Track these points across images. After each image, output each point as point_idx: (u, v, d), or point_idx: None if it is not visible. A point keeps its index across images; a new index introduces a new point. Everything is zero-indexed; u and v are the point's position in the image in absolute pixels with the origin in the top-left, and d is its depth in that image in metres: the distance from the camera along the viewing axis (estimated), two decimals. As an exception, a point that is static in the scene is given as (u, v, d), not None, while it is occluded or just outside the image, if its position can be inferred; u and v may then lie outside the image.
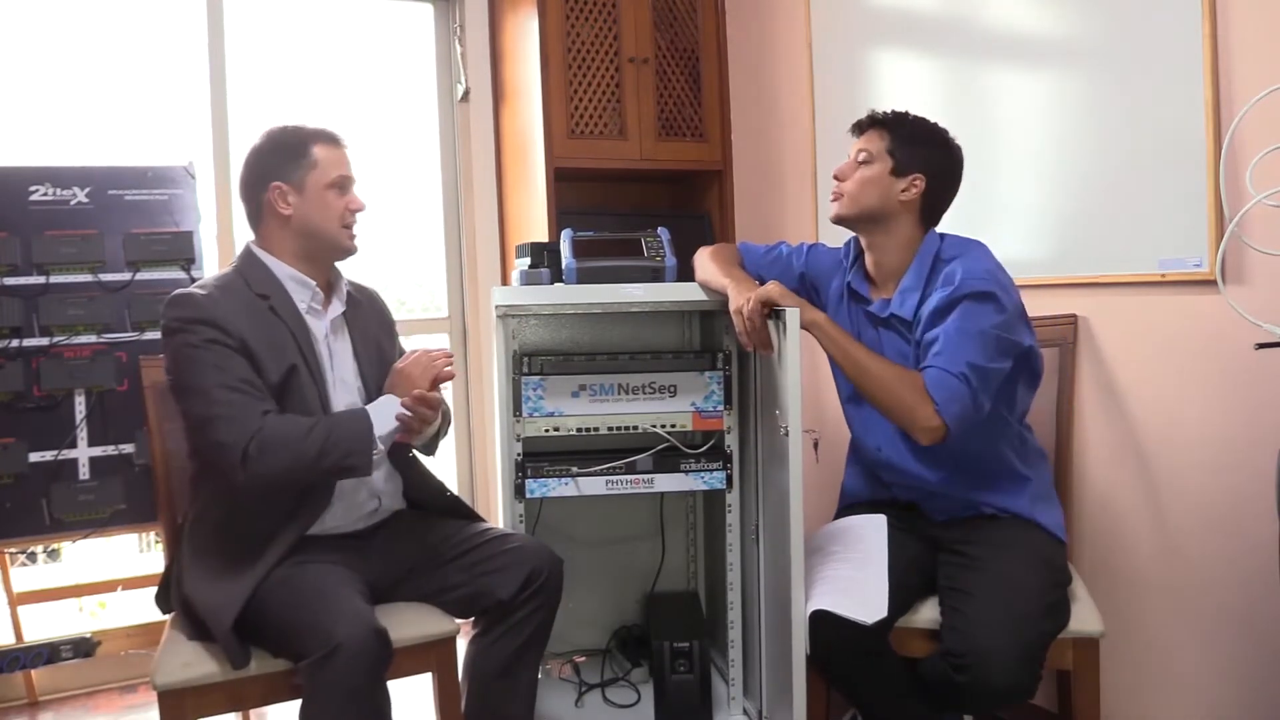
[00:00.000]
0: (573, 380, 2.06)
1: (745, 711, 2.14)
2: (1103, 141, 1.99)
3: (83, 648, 2.46)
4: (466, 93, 3.13)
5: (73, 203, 2.44)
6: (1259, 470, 1.72)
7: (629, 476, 2.06)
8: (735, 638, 2.13)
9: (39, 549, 3.37)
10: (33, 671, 2.53)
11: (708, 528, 2.41)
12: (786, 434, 1.74)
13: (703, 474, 2.08)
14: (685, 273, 2.10)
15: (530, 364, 2.06)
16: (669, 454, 2.08)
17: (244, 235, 1.92)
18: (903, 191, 1.83)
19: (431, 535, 1.89)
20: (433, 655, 1.81)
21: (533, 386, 2.05)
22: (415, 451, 1.97)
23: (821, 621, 1.69)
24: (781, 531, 1.79)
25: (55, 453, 2.38)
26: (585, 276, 2.08)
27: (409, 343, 2.11)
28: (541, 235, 2.77)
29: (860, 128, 1.89)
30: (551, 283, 2.14)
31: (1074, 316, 2.06)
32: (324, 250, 1.86)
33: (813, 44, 2.73)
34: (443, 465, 3.13)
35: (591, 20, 2.88)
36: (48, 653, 2.42)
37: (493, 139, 3.15)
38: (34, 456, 2.36)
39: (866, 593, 1.72)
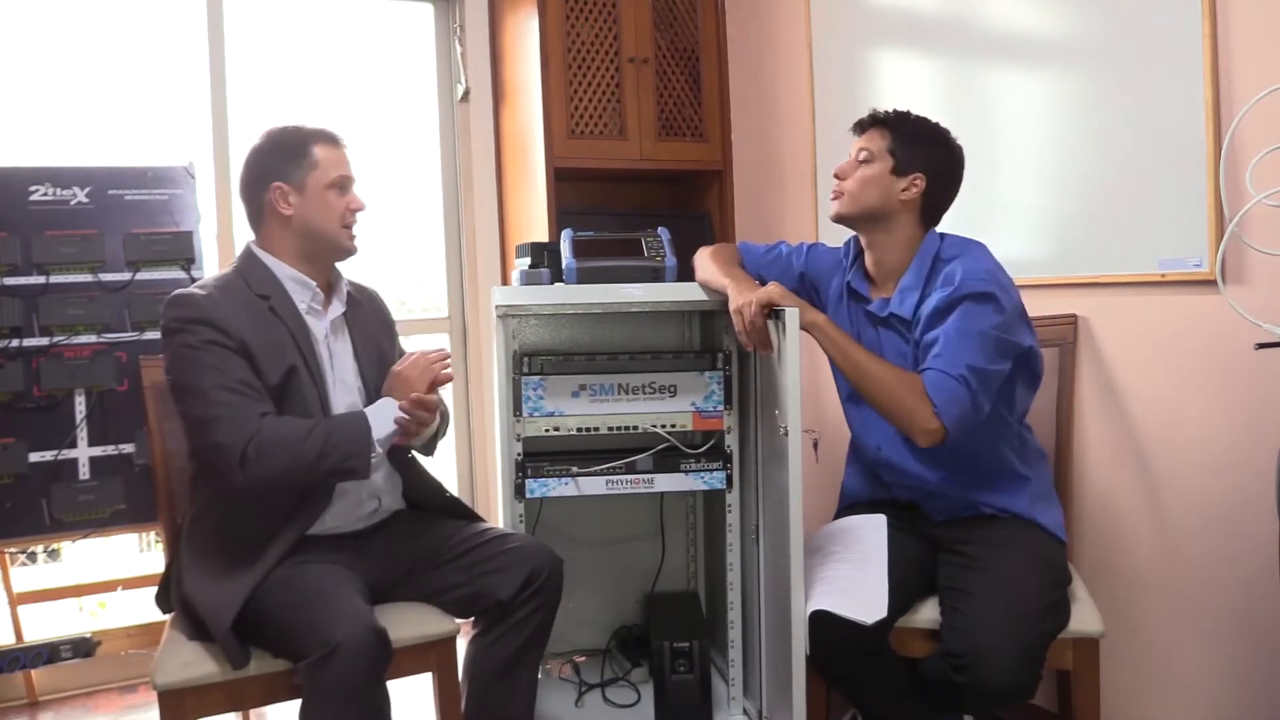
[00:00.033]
0: (573, 380, 2.06)
1: (745, 711, 2.14)
2: (1103, 141, 1.99)
3: (83, 648, 2.46)
4: (466, 93, 3.13)
5: (73, 203, 2.44)
6: (1259, 470, 1.72)
7: (629, 476, 2.06)
8: (735, 638, 2.13)
9: (39, 549, 3.37)
10: (33, 671, 2.53)
11: (708, 528, 2.41)
12: (786, 434, 1.74)
13: (703, 474, 2.08)
14: (685, 273, 2.10)
15: (530, 364, 2.06)
16: (669, 454, 2.08)
17: (244, 235, 1.92)
18: (903, 191, 1.83)
19: (431, 535, 1.89)
20: (433, 655, 1.81)
21: (533, 386, 2.05)
22: (413, 452, 1.97)
23: (821, 621, 1.69)
24: (781, 531, 1.79)
25: (55, 453, 2.38)
26: (585, 276, 2.08)
27: (409, 343, 2.11)
28: (541, 235, 2.77)
29: (861, 127, 1.89)
30: (551, 283, 2.14)
31: (1074, 316, 2.06)
32: (324, 250, 1.86)
33: (813, 44, 2.73)
34: (443, 465, 3.13)
35: (591, 20, 2.88)
36: (48, 653, 2.42)
37: (493, 139, 3.15)
38: (34, 456, 2.36)
39: (866, 593, 1.72)
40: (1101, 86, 1.99)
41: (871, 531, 1.85)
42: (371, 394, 1.87)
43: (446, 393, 1.99)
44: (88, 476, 2.41)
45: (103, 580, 2.73)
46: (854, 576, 1.77)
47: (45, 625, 2.67)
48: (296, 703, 1.59)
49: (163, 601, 1.88)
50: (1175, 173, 1.84)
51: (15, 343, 2.35)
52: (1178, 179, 1.84)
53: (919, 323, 1.79)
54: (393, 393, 1.80)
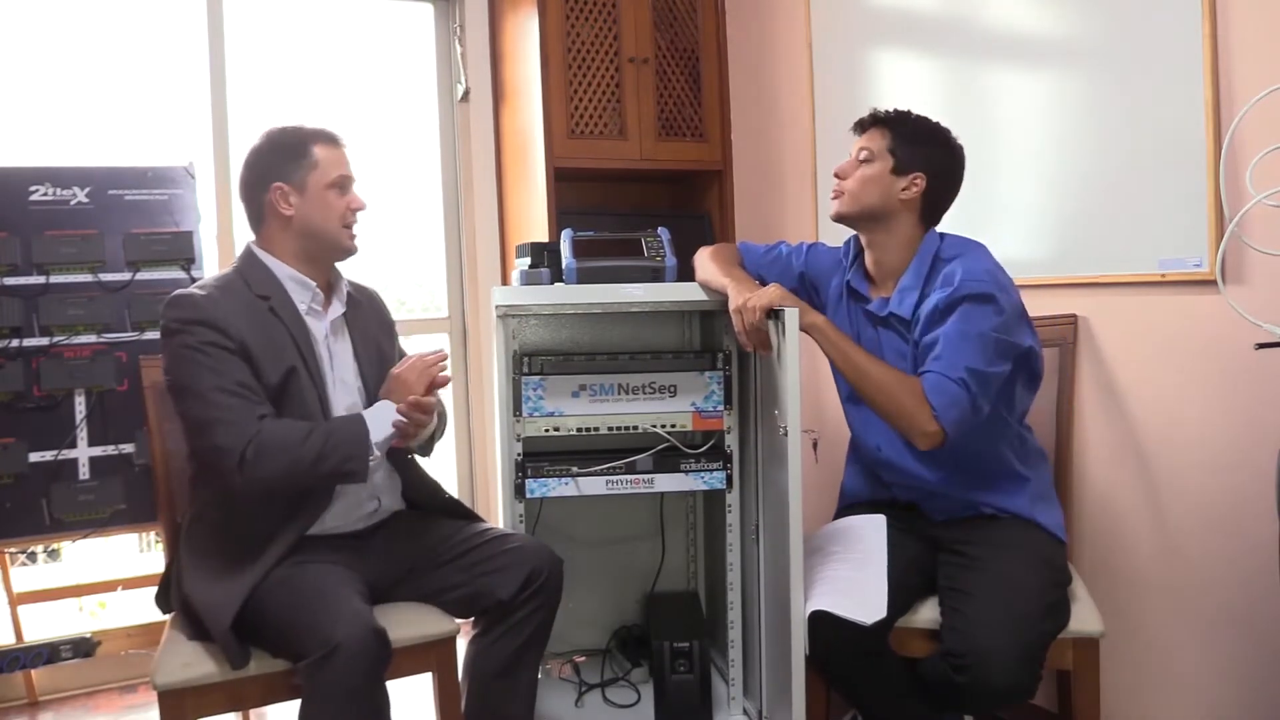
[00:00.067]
0: (573, 380, 2.06)
1: (745, 711, 2.14)
2: (1103, 141, 1.99)
3: (83, 648, 2.46)
4: (466, 93, 3.13)
5: (73, 203, 2.44)
6: (1259, 470, 1.72)
7: (629, 476, 2.06)
8: (735, 638, 2.13)
9: (39, 549, 3.37)
10: (33, 671, 2.53)
11: (708, 528, 2.41)
12: (786, 434, 1.74)
13: (703, 474, 2.08)
14: (685, 273, 2.10)
15: (530, 364, 2.06)
16: (669, 454, 2.07)
17: (244, 235, 1.92)
18: (903, 190, 1.83)
19: (431, 535, 1.89)
20: (433, 655, 1.81)
21: (533, 386, 2.05)
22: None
23: (821, 622, 1.69)
24: (781, 531, 1.79)
25: (55, 453, 2.38)
26: (585, 276, 2.08)
27: (409, 343, 2.11)
28: (541, 235, 2.77)
29: (862, 126, 1.89)
30: (551, 283, 2.14)
31: (1074, 316, 2.06)
32: (325, 250, 1.86)
33: (813, 44, 2.73)
34: (442, 465, 3.13)
35: (591, 20, 2.88)
36: (48, 653, 2.42)
37: (493, 139, 3.15)
38: (34, 456, 2.36)
39: (866, 593, 1.72)
40: (1101, 86, 1.99)
41: (871, 532, 1.85)
42: (371, 394, 1.86)
43: (446, 393, 1.99)
44: (88, 476, 2.41)
45: (103, 580, 2.73)
46: (853, 577, 1.77)
47: (45, 625, 2.67)
48: (296, 703, 1.59)
49: (163, 601, 1.88)
50: (1175, 173, 1.84)
51: (15, 343, 2.35)
52: (1178, 179, 1.84)
53: (918, 322, 1.79)
54: (390, 395, 1.80)
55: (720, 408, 2.08)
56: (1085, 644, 1.74)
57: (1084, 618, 1.74)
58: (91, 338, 2.42)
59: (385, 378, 1.86)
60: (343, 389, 1.85)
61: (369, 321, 1.96)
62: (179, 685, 1.63)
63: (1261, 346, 1.56)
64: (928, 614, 1.78)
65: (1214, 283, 1.74)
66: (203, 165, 2.72)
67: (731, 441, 2.09)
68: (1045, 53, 2.11)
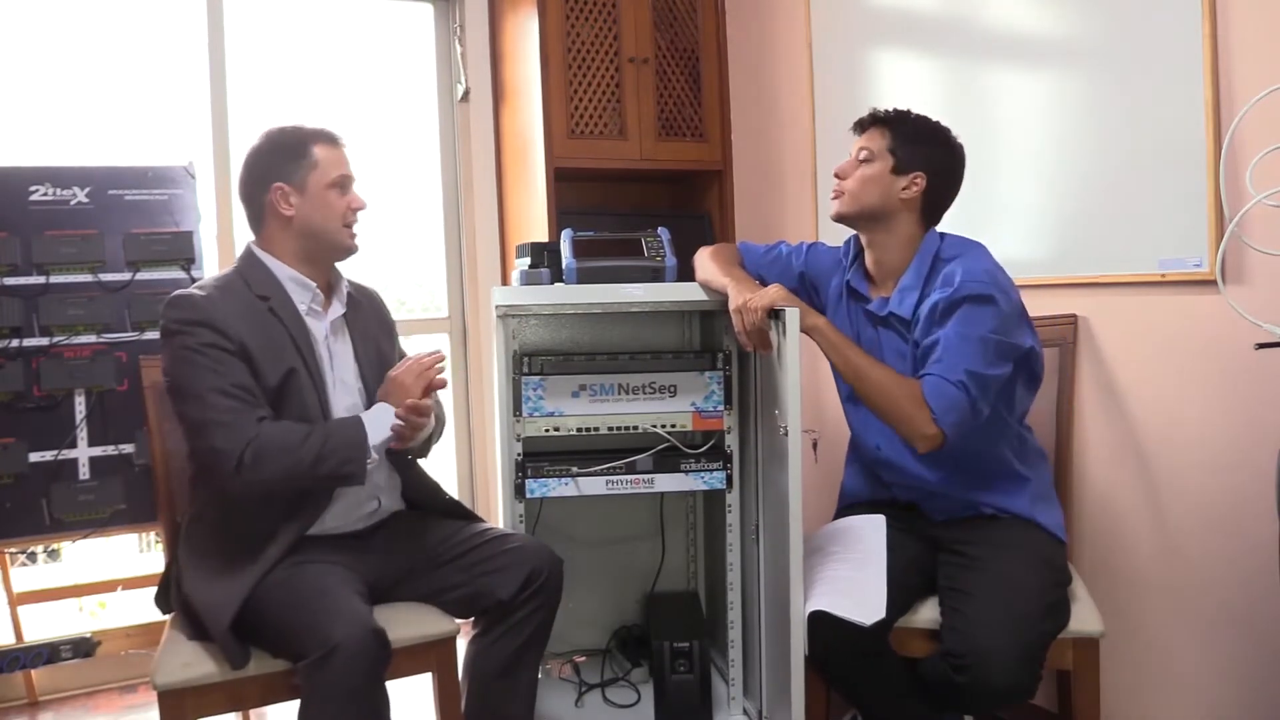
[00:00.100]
0: (573, 380, 2.06)
1: (745, 711, 2.14)
2: (1103, 141, 1.99)
3: (83, 648, 2.46)
4: (466, 93, 3.13)
5: (73, 203, 2.44)
6: (1259, 470, 1.72)
7: (629, 476, 2.06)
8: (735, 638, 2.13)
9: (39, 549, 3.37)
10: (33, 671, 2.53)
11: (708, 528, 2.41)
12: (786, 434, 1.74)
13: (703, 474, 2.08)
14: (685, 273, 2.10)
15: (530, 364, 2.06)
16: (669, 454, 2.07)
17: (244, 235, 1.92)
18: (903, 190, 1.83)
19: (431, 535, 1.89)
20: (433, 655, 1.81)
21: (533, 386, 2.05)
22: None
23: (820, 622, 1.69)
24: (781, 531, 1.79)
25: (55, 453, 2.38)
26: (585, 276, 2.08)
27: (409, 343, 2.11)
28: (541, 235, 2.77)
29: (862, 126, 1.89)
30: (551, 283, 2.14)
31: (1074, 316, 2.06)
32: (326, 250, 1.86)
33: (813, 44, 2.73)
34: (442, 466, 3.13)
35: (591, 20, 2.88)
36: (48, 653, 2.42)
37: (493, 139, 3.15)
38: (34, 456, 2.36)
39: (865, 593, 1.72)
40: (1101, 86, 1.99)
41: (871, 532, 1.85)
42: (371, 395, 1.86)
43: (445, 394, 1.99)
44: (88, 476, 2.41)
45: (103, 580, 2.72)
46: (853, 577, 1.77)
47: (45, 625, 2.67)
48: (296, 703, 1.59)
49: (162, 602, 1.88)
50: (1175, 173, 1.84)
51: (15, 343, 2.35)
52: (1178, 179, 1.84)
53: (918, 322, 1.79)
54: (388, 398, 1.80)
55: (720, 408, 2.08)
56: (1085, 644, 1.74)
57: (1084, 618, 1.74)
58: (91, 338, 2.42)
59: (385, 378, 1.86)
60: (343, 389, 1.85)
61: (369, 322, 1.96)
62: (179, 685, 1.63)
63: (1261, 346, 1.56)
64: (928, 614, 1.78)
65: (1214, 283, 1.74)
66: (203, 165, 2.72)
67: (731, 441, 2.09)
68: (1045, 53, 2.11)
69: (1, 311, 2.33)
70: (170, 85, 2.86)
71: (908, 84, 2.45)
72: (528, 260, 2.20)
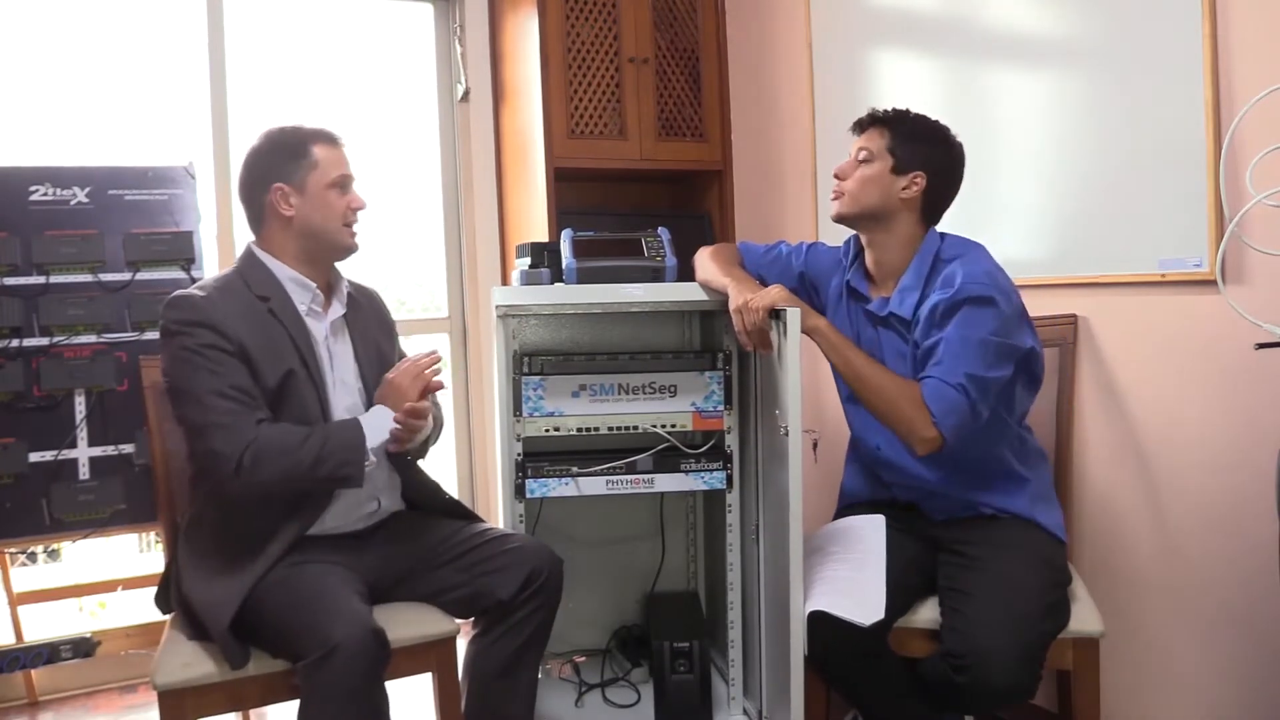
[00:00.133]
0: (573, 380, 2.06)
1: (745, 711, 2.14)
2: (1103, 141, 1.99)
3: (83, 648, 2.46)
4: (466, 93, 3.13)
5: (73, 203, 2.44)
6: (1259, 470, 1.72)
7: (629, 476, 2.06)
8: (735, 638, 2.13)
9: (39, 549, 3.37)
10: (33, 671, 2.53)
11: (708, 528, 2.41)
12: (786, 434, 1.74)
13: (703, 474, 2.08)
14: (685, 273, 2.10)
15: (530, 364, 2.06)
16: (669, 454, 2.07)
17: (244, 235, 1.92)
18: (903, 189, 1.83)
19: (431, 535, 1.89)
20: (433, 655, 1.81)
21: (533, 386, 2.05)
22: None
23: (819, 622, 1.69)
24: (781, 531, 1.79)
25: (55, 453, 2.38)
26: (585, 276, 2.08)
27: (409, 343, 2.11)
28: (541, 235, 2.77)
29: (861, 126, 1.89)
30: (551, 283, 2.14)
31: (1074, 316, 2.06)
32: (326, 250, 1.86)
33: (813, 44, 2.73)
34: (443, 465, 3.13)
35: (591, 20, 2.88)
36: (48, 653, 2.42)
37: (493, 139, 3.15)
38: (34, 456, 2.36)
39: (864, 594, 1.72)
40: (1101, 86, 1.99)
41: (870, 532, 1.85)
42: (372, 395, 1.86)
43: (445, 395, 1.99)
44: (88, 476, 2.41)
45: (103, 580, 2.72)
46: (852, 577, 1.76)
47: (45, 625, 2.67)
48: (296, 703, 1.58)
49: (162, 602, 1.88)
50: (1175, 173, 1.84)
51: (15, 343, 2.35)
52: (1178, 179, 1.84)
53: (918, 323, 1.79)
54: (385, 400, 1.80)
55: (720, 408, 2.08)
56: (1085, 644, 1.74)
57: (1084, 618, 1.74)
58: (91, 338, 2.42)
59: (382, 381, 1.86)
60: (343, 390, 1.85)
61: (369, 322, 1.96)
62: (179, 685, 1.63)
63: (1261, 346, 1.56)
64: (927, 614, 1.78)
65: (1214, 283, 1.74)
66: (203, 165, 2.72)
67: (731, 441, 2.09)
68: (1045, 53, 2.11)
69: (1, 311, 2.33)
70: (170, 85, 2.87)
71: (908, 84, 2.45)
72: (528, 260, 2.20)
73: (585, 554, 2.39)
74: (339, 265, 1.93)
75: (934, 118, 1.87)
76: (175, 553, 1.85)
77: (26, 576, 3.07)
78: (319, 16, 3.10)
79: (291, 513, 1.74)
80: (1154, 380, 1.95)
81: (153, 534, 3.05)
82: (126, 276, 2.47)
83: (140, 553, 3.51)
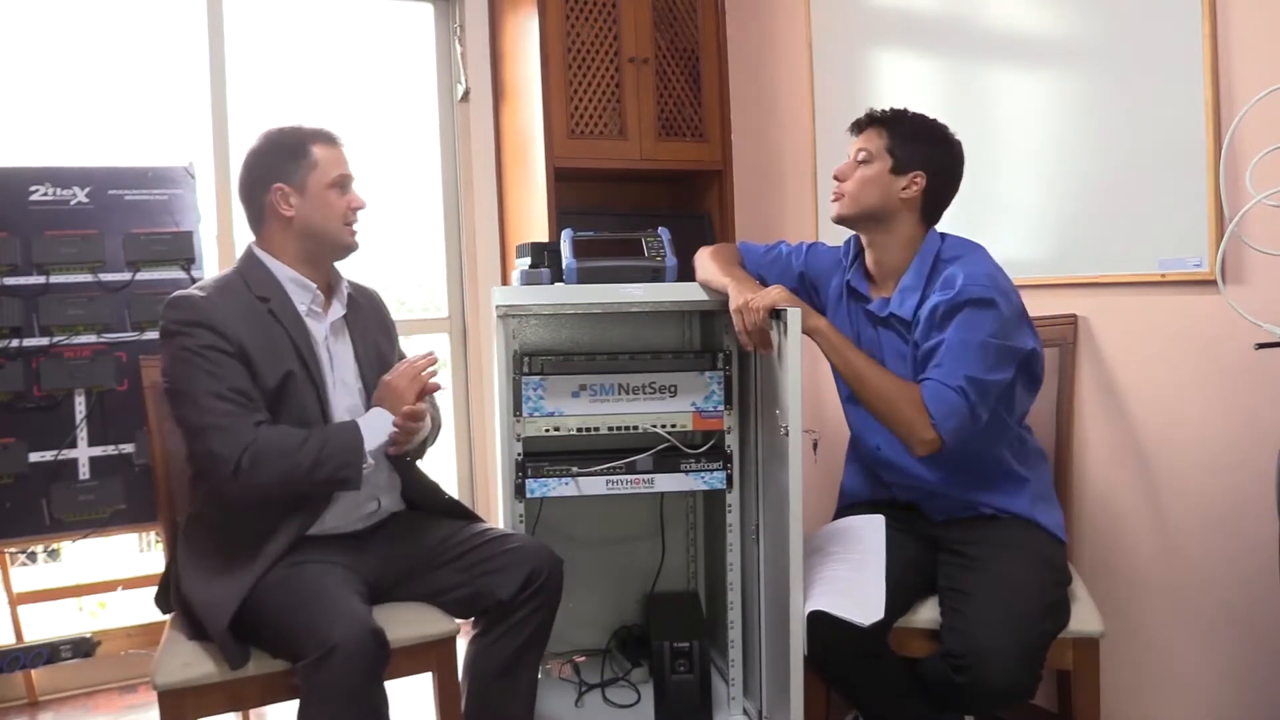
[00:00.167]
0: (573, 380, 2.06)
1: (745, 711, 2.14)
2: (1103, 141, 1.99)
3: (83, 648, 2.46)
4: (466, 93, 3.13)
5: (73, 203, 2.44)
6: (1259, 470, 1.72)
7: (629, 476, 2.06)
8: (735, 638, 2.13)
9: (39, 549, 3.37)
10: (33, 671, 2.53)
11: (708, 528, 2.41)
12: (786, 434, 1.74)
13: (703, 474, 2.08)
14: (685, 273, 2.10)
15: (530, 364, 2.06)
16: (669, 454, 2.07)
17: (244, 235, 1.93)
18: (903, 189, 1.83)
19: (430, 535, 1.89)
20: (432, 655, 1.81)
21: (533, 386, 2.05)
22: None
23: (819, 622, 1.69)
24: (781, 531, 1.79)
25: (55, 453, 2.38)
26: (585, 276, 2.08)
27: (409, 343, 2.11)
28: (541, 235, 2.77)
29: (859, 126, 1.89)
30: (551, 283, 2.14)
31: (1074, 316, 2.06)
32: (326, 250, 1.86)
33: (813, 44, 2.73)
34: (443, 465, 3.13)
35: (591, 20, 2.88)
36: (48, 653, 2.42)
37: (493, 139, 3.15)
38: (34, 456, 2.36)
39: (864, 594, 1.72)
40: (1101, 86, 1.99)
41: (870, 532, 1.85)
42: (372, 396, 1.86)
43: (445, 395, 1.99)
44: (88, 476, 2.41)
45: (103, 580, 2.72)
46: (852, 577, 1.76)
47: (45, 625, 2.67)
48: (296, 703, 1.58)
49: (162, 602, 1.88)
50: (1175, 173, 1.84)
51: (15, 343, 2.35)
52: (1178, 179, 1.84)
53: (918, 324, 1.78)
54: (383, 402, 1.80)
55: (720, 408, 2.08)
56: (1085, 644, 1.74)
57: (1084, 618, 1.74)
58: (91, 338, 2.42)
59: (379, 383, 1.86)
60: (343, 390, 1.85)
61: (369, 322, 1.96)
62: (179, 685, 1.63)
63: (1261, 346, 1.56)
64: (927, 614, 1.78)
65: (1214, 283, 1.74)
66: (203, 165, 2.72)
67: (731, 441, 2.09)
68: (1045, 53, 2.11)
69: (1, 311, 2.33)
70: (170, 85, 2.87)
71: (908, 84, 2.45)
72: (528, 260, 2.20)
73: (585, 554, 2.39)
74: (339, 265, 1.93)
75: (932, 117, 1.87)
76: (175, 553, 1.85)
77: (26, 576, 3.07)
78: (319, 16, 3.10)
79: (291, 513, 1.74)
80: (1154, 380, 1.95)
81: (152, 534, 3.06)
82: (126, 276, 2.47)
83: (140, 553, 3.51)
